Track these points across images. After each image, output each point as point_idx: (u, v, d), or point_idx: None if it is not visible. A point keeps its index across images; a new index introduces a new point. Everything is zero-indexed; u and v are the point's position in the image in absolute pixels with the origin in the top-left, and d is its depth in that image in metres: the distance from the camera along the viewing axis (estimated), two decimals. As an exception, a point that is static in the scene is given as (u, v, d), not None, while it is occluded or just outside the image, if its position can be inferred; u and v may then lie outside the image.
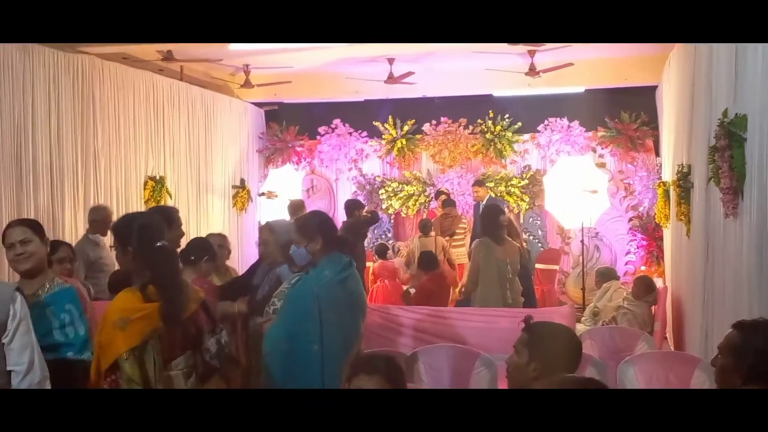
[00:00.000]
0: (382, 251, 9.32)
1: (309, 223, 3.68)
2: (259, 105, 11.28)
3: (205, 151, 9.48)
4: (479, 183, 9.68)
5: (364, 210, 8.56)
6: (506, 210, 9.34)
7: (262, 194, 9.95)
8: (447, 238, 9.18)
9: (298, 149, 11.36)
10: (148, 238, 2.95)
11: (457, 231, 9.33)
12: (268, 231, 4.20)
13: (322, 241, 3.56)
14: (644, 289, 6.84)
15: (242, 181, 10.56)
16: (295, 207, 7.83)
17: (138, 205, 7.74)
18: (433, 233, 8.99)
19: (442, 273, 7.53)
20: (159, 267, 2.91)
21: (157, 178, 8.19)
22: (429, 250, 8.16)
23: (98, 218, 6.20)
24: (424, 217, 10.13)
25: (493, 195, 10.35)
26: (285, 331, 3.47)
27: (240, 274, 5.46)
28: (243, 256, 10.26)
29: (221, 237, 5.37)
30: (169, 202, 8.20)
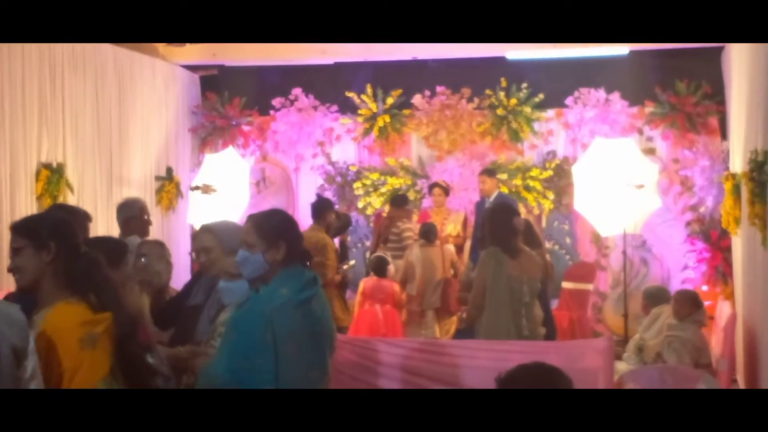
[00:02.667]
0: (380, 266, 8.86)
1: (271, 223, 3.67)
2: (192, 69, 11.23)
3: (120, 131, 9.41)
4: (489, 173, 9.71)
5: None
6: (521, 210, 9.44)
7: (196, 188, 9.89)
8: (381, 246, 9.22)
9: (245, 128, 11.32)
10: (75, 240, 3.14)
11: (391, 237, 9.33)
12: (208, 234, 4.20)
13: (285, 250, 3.55)
14: (688, 305, 6.97)
15: (169, 170, 10.50)
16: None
17: (29, 202, 7.67)
18: (438, 241, 9.02)
19: None
20: (96, 277, 3.11)
21: (54, 166, 8.12)
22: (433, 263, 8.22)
23: (133, 215, 6.51)
24: (415, 218, 10.13)
25: (506, 191, 10.41)
26: (227, 368, 3.44)
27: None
28: (170, 271, 10.19)
29: (157, 245, 5.32)
30: (71, 198, 8.14)
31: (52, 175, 8.03)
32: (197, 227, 10.01)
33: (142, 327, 3.26)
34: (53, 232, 3.07)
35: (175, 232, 10.67)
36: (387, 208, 10.55)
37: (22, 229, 3.09)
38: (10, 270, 3.15)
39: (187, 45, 9.75)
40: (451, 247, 9.44)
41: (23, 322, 2.70)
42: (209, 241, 4.17)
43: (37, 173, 7.94)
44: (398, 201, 9.73)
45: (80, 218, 4.59)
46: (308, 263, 3.69)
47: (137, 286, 4.77)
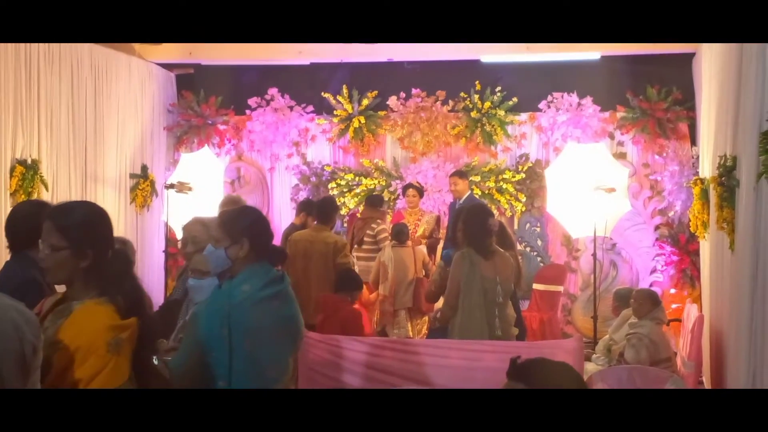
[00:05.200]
0: None
1: (237, 220, 3.69)
2: (169, 67, 11.17)
3: (95, 128, 9.35)
4: (460, 174, 9.76)
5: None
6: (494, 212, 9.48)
7: (171, 186, 9.82)
8: (355, 246, 9.22)
9: (221, 127, 11.28)
10: (109, 237, 3.11)
11: (366, 238, 9.34)
12: (199, 225, 4.23)
13: (248, 246, 3.57)
14: (647, 303, 7.07)
15: (144, 168, 10.44)
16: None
17: (2, 198, 7.60)
18: (410, 242, 9.03)
19: (344, 304, 7.62)
20: (129, 275, 3.11)
21: (29, 162, 8.05)
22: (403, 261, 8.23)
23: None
24: (389, 218, 10.14)
25: (479, 193, 10.44)
26: (184, 363, 3.48)
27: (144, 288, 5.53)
28: (144, 267, 10.14)
29: (122, 241, 5.36)
30: (45, 195, 8.08)
31: (27, 171, 7.96)
32: (171, 225, 10.06)
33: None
34: (94, 239, 3.03)
35: (150, 231, 10.62)
36: (361, 208, 10.55)
37: (64, 229, 3.00)
38: (42, 262, 3.08)
39: (164, 43, 9.70)
40: (423, 248, 9.45)
41: (36, 320, 2.64)
42: (198, 231, 4.20)
43: (12, 169, 7.87)
44: (373, 201, 9.71)
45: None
46: (279, 263, 3.70)
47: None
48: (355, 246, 9.24)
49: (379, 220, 9.40)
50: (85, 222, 3.03)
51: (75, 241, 2.98)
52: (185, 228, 4.37)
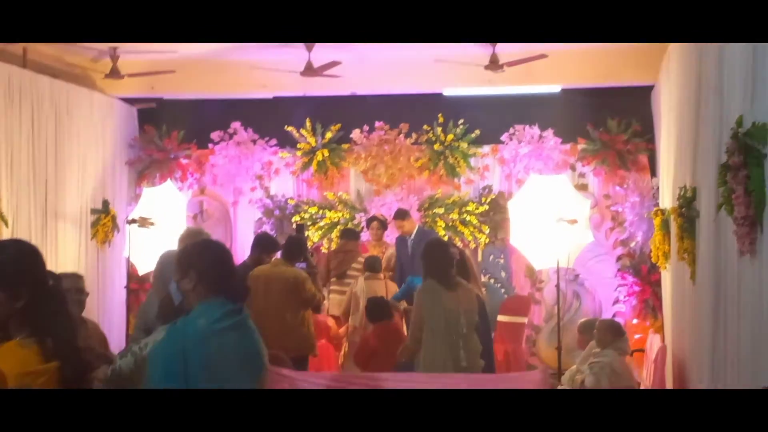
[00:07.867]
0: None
1: (186, 252, 3.68)
2: (130, 101, 11.12)
3: (56, 163, 9.28)
4: (400, 215, 9.78)
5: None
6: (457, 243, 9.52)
7: (133, 221, 9.76)
8: (333, 280, 9.21)
9: (183, 161, 11.24)
10: (42, 275, 3.01)
11: (350, 272, 9.39)
12: (158, 263, 4.31)
13: (196, 278, 3.54)
14: (609, 333, 7.18)
15: (105, 203, 10.36)
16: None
17: (-40, 235, 7.51)
18: (381, 275, 9.03)
19: (394, 325, 7.63)
20: (61, 314, 2.99)
21: (-12, 198, 7.98)
22: (379, 295, 8.25)
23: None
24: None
25: (442, 224, 10.50)
26: None
27: (100, 327, 5.51)
28: (105, 304, 10.03)
29: (75, 278, 5.36)
30: (5, 232, 7.99)
31: (-14, 207, 7.89)
32: (133, 260, 9.98)
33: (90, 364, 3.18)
34: (27, 279, 2.94)
35: (111, 266, 10.50)
36: (335, 243, 10.48)
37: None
38: None
39: (125, 78, 9.65)
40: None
41: None
42: (159, 269, 4.26)
43: (-29, 206, 7.80)
44: (351, 234, 9.74)
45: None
46: (240, 300, 3.65)
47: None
48: (334, 279, 9.21)
49: (360, 252, 9.43)
50: (16, 261, 2.95)
51: (8, 283, 2.90)
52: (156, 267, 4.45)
